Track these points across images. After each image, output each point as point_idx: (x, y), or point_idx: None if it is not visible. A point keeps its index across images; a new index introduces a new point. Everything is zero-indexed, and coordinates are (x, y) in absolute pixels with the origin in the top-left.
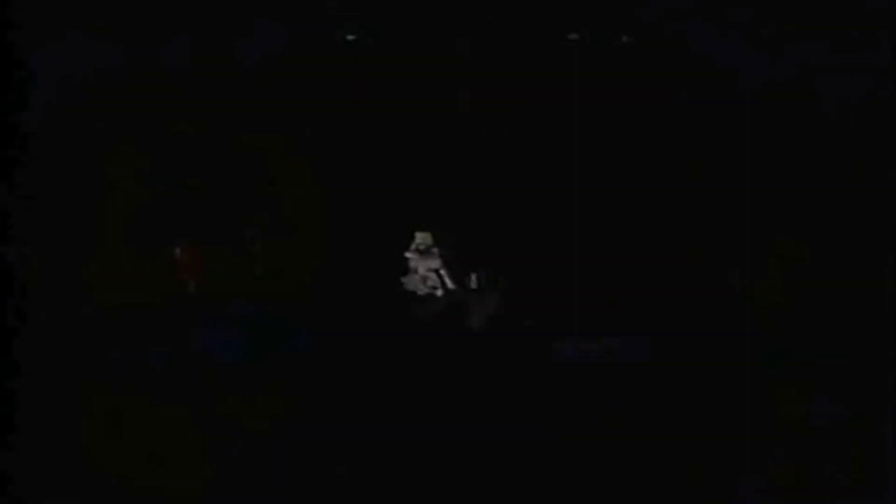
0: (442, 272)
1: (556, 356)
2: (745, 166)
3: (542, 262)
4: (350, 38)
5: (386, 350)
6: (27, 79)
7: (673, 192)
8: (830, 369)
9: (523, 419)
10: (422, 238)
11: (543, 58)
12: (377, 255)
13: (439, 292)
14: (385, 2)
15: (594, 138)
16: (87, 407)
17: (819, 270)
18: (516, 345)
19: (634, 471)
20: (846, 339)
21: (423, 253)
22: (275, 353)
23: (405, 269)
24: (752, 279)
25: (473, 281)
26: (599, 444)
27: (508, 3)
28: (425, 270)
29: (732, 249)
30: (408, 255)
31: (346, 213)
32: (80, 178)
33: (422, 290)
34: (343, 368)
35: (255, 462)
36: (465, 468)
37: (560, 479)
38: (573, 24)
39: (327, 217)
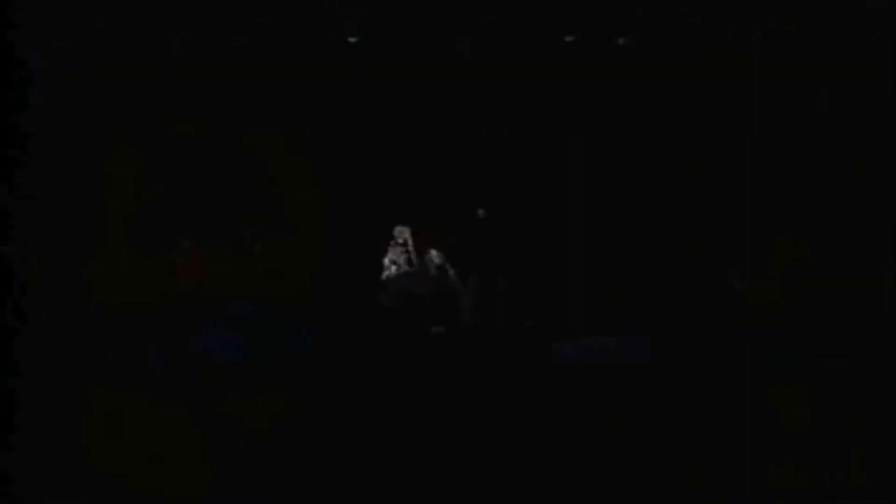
0: (399, 261)
1: (556, 356)
2: (745, 166)
3: (541, 263)
4: (352, 39)
5: (386, 350)
6: (27, 79)
7: (673, 192)
8: (830, 369)
9: (523, 419)
10: (399, 231)
11: (544, 57)
12: (377, 256)
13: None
14: (385, 2)
15: (594, 138)
16: (87, 407)
17: (819, 270)
18: (516, 345)
19: (634, 471)
20: (846, 339)
21: (395, 246)
22: (275, 353)
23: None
24: (752, 279)
25: (473, 281)
26: (599, 444)
27: (508, 4)
28: (387, 261)
29: (732, 249)
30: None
31: (346, 213)
32: (80, 178)
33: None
34: (343, 368)
35: (255, 462)
36: (465, 468)
37: (560, 479)
38: (573, 25)
39: (327, 217)
